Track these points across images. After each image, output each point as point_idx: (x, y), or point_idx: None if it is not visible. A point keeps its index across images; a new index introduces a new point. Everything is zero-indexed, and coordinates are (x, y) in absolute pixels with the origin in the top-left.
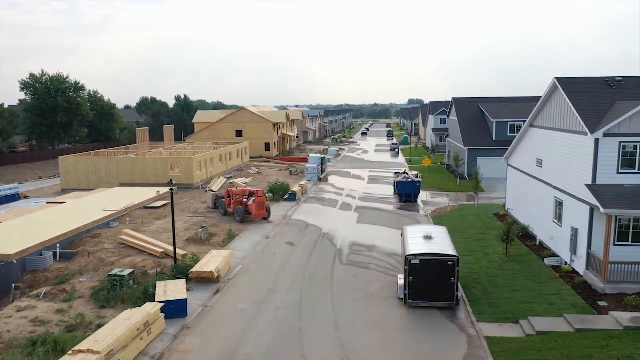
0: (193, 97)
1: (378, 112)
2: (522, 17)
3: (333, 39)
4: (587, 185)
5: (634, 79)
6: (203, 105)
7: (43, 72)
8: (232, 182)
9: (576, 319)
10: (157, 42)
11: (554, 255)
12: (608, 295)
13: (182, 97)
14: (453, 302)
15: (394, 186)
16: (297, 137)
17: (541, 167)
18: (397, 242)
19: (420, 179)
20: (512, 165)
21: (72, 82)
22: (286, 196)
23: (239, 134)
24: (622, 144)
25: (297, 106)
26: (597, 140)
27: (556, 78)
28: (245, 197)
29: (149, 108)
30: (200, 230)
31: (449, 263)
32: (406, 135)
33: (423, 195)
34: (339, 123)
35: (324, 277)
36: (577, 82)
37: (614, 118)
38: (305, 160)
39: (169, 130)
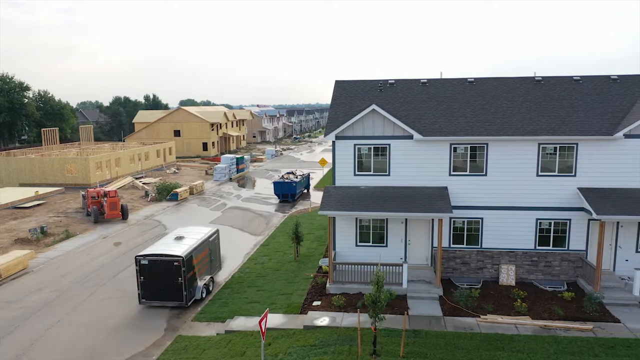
0: (185, 97)
1: None
2: (527, 17)
3: (337, 41)
4: (326, 187)
5: (405, 82)
6: (190, 103)
7: None
8: (133, 183)
9: (273, 319)
10: (154, 41)
11: None
12: (332, 294)
13: (151, 96)
14: (182, 302)
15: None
16: (253, 136)
17: None
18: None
19: (297, 180)
20: None
21: (17, 82)
22: (168, 196)
23: (177, 133)
24: (357, 146)
25: (257, 105)
26: (333, 142)
27: (336, 80)
28: (101, 197)
29: (109, 108)
30: (30, 230)
31: (175, 264)
32: None
33: (318, 196)
34: (313, 122)
35: (107, 277)
36: (351, 85)
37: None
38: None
39: (85, 130)
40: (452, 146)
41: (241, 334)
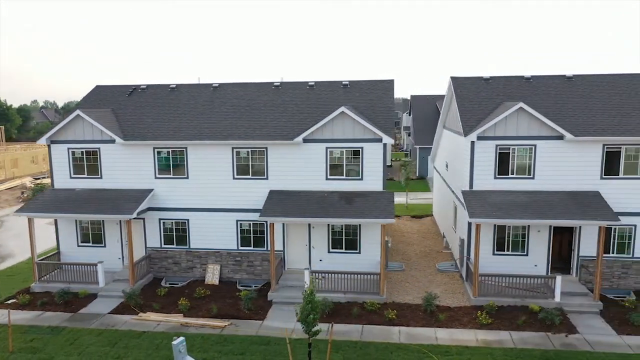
0: None
1: None
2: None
3: (335, 39)
4: (44, 190)
5: (156, 87)
6: None
7: None
8: (24, 184)
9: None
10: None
11: None
12: (36, 293)
13: None
14: None
15: None
16: None
17: None
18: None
19: None
20: None
21: None
22: None
23: None
24: (70, 150)
25: None
26: (49, 146)
27: (96, 85)
28: None
29: (63, 109)
30: None
31: None
32: None
33: None
34: None
35: None
36: (110, 89)
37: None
38: None
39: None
40: (156, 150)
41: None
